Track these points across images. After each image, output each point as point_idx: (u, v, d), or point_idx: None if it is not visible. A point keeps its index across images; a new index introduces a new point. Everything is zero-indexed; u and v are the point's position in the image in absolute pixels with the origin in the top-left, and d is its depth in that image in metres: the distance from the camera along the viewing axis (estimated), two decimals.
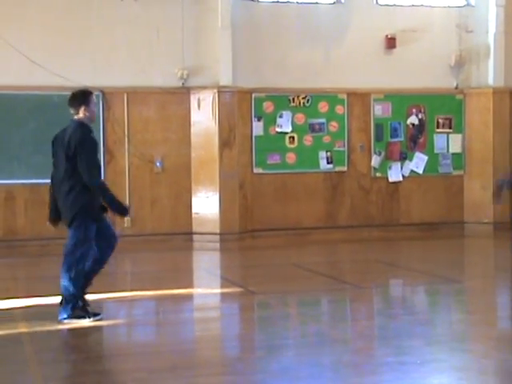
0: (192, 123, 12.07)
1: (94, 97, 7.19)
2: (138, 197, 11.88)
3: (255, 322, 7.47)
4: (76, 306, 6.86)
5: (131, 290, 8.67)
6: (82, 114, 6.96)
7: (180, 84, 11.96)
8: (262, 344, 6.51)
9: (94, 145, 6.90)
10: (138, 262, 10.99)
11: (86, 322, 6.83)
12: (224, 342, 6.69)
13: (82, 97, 7.03)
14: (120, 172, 11.84)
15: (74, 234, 6.87)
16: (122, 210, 7.02)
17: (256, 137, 12.42)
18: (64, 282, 6.86)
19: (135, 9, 11.85)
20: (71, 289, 6.83)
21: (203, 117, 12.03)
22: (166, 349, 6.25)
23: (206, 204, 12.03)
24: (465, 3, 13.22)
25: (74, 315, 6.85)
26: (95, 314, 6.96)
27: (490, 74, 13.03)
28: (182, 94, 12.02)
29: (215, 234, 11.94)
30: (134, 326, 6.97)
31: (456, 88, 13.15)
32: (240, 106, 12.17)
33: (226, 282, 9.44)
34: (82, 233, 6.83)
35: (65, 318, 6.86)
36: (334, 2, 12.76)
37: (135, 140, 11.95)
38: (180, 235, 11.97)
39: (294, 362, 5.90)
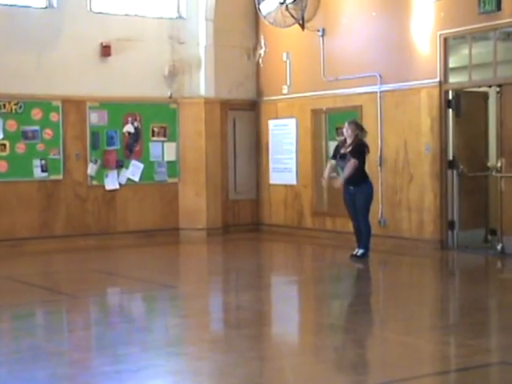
0: None
1: None
2: None
3: None
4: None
5: None
6: None
7: None
8: None
9: None
10: None
11: None
12: None
13: None
14: None
15: None
16: None
17: None
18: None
19: None
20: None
21: None
22: None
23: None
24: (177, 15, 13.59)
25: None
26: None
27: (201, 85, 13.53)
28: None
29: None
30: None
31: (170, 97, 13.46)
32: None
33: None
34: None
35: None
36: (46, 7, 12.47)
37: None
38: None
39: (5, 379, 5.63)
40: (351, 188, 10.52)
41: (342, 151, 10.57)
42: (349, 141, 10.56)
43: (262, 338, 6.86)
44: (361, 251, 10.50)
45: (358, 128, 10.62)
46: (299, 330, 7.37)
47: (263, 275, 10.33)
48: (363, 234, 10.57)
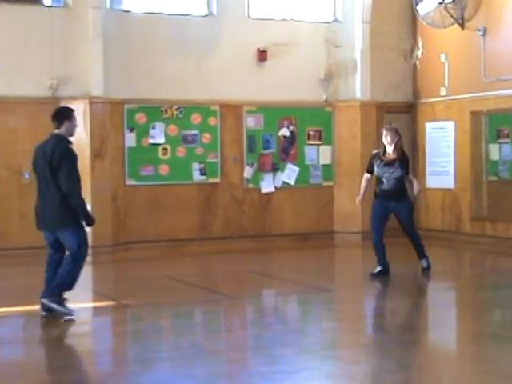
0: None
1: (75, 113, 7.75)
2: (5, 209, 11.52)
3: (128, 335, 7.37)
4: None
5: None
6: (63, 128, 7.54)
7: (50, 94, 11.69)
8: (135, 358, 6.43)
9: (75, 157, 7.46)
10: (4, 276, 10.60)
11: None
12: (97, 357, 6.57)
13: (66, 112, 7.67)
14: None
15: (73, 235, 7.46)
16: (90, 222, 7.60)
17: (129, 148, 12.31)
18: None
19: (0, 15, 11.50)
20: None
21: None
22: (35, 367, 6.06)
23: None
24: (333, 19, 13.60)
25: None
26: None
27: (357, 88, 13.46)
28: (51, 105, 11.67)
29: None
30: (1, 343, 6.73)
31: (325, 101, 13.49)
32: (112, 116, 12.03)
33: (98, 295, 9.26)
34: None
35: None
36: (207, 15, 12.84)
37: (2, 151, 11.59)
38: None
39: (167, 374, 5.86)
40: (393, 203, 9.72)
41: (385, 159, 9.75)
42: (389, 148, 9.76)
43: (417, 344, 6.74)
44: (426, 262, 9.93)
45: (398, 134, 9.84)
46: (457, 337, 7.17)
47: (419, 280, 10.13)
48: (418, 244, 9.99)
